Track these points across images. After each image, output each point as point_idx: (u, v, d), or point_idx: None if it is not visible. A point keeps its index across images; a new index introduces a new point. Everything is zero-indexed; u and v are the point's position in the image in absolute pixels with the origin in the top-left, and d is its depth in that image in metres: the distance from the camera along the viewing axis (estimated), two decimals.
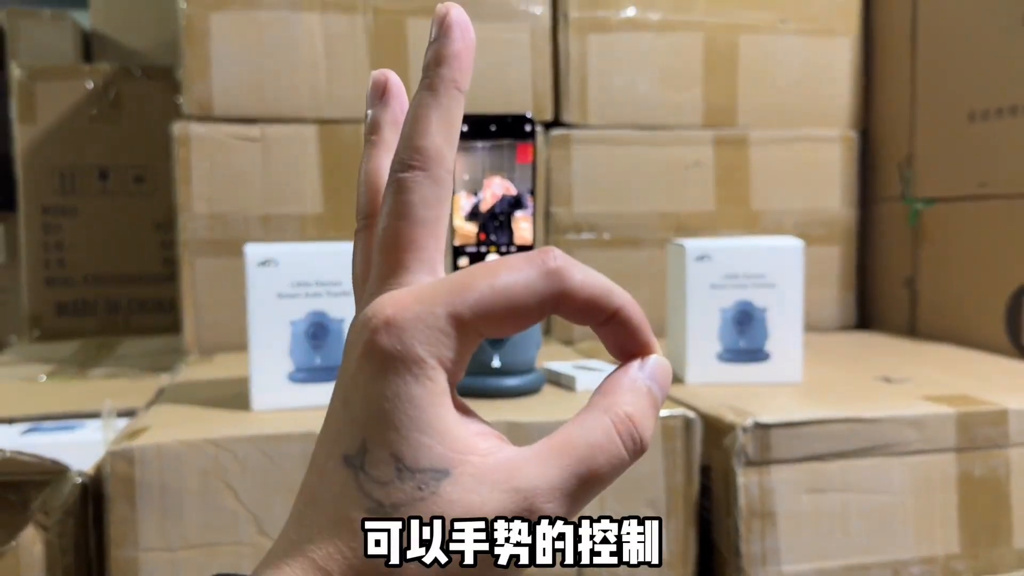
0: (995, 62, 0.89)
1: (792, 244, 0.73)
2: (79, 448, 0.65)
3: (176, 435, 0.55)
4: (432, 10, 0.29)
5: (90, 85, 1.26)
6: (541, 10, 0.99)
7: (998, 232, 0.90)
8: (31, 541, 0.56)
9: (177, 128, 0.91)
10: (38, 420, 0.76)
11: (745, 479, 0.60)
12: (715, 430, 0.63)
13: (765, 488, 0.61)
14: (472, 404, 0.59)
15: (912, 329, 1.04)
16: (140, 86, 1.27)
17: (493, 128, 0.68)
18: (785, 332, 0.73)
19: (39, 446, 0.63)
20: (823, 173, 1.08)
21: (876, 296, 1.11)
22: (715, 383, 0.73)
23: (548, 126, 1.00)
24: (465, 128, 0.68)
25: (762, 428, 0.60)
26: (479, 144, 0.68)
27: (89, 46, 1.45)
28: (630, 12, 1.01)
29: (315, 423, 0.55)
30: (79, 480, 0.56)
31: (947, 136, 0.97)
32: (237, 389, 0.71)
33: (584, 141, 1.01)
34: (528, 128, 0.68)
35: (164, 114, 1.27)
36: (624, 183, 1.03)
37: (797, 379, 0.73)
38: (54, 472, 0.55)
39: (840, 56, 1.08)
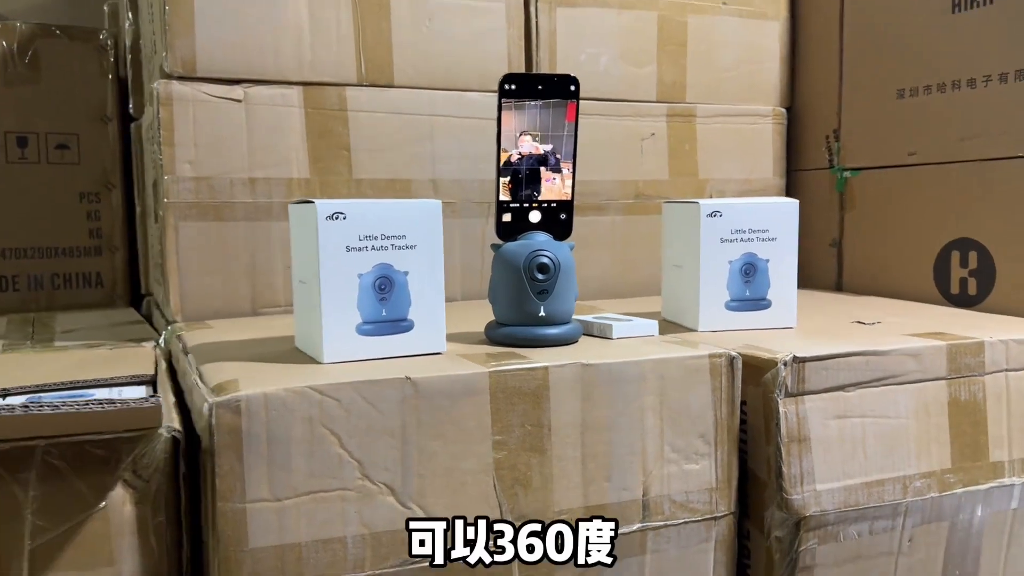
0: (925, 44, 1.01)
1: (790, 202, 0.80)
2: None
3: (274, 385, 0.55)
4: None
5: (2, 44, 1.17)
6: None
7: (927, 196, 1.02)
8: (121, 501, 0.54)
9: (160, 87, 0.87)
10: (38, 391, 0.72)
11: (784, 408, 0.67)
12: (751, 368, 0.69)
13: (800, 416, 0.67)
14: (512, 351, 0.62)
15: (838, 286, 1.16)
16: (60, 46, 1.19)
17: (540, 87, 0.71)
18: (783, 282, 0.80)
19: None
20: (757, 146, 1.18)
21: (802, 257, 1.21)
22: (724, 329, 0.79)
23: None
24: (514, 86, 0.71)
25: (799, 362, 0.67)
26: (526, 103, 0.71)
27: None
28: None
29: (397, 371, 0.57)
30: (170, 435, 0.55)
31: (876, 111, 1.08)
32: (282, 347, 0.70)
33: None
34: (573, 88, 0.71)
35: (87, 77, 1.21)
36: (588, 153, 1.07)
37: (793, 324, 0.81)
38: (147, 427, 0.53)
39: (771, 38, 1.18)
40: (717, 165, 1.15)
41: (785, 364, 0.67)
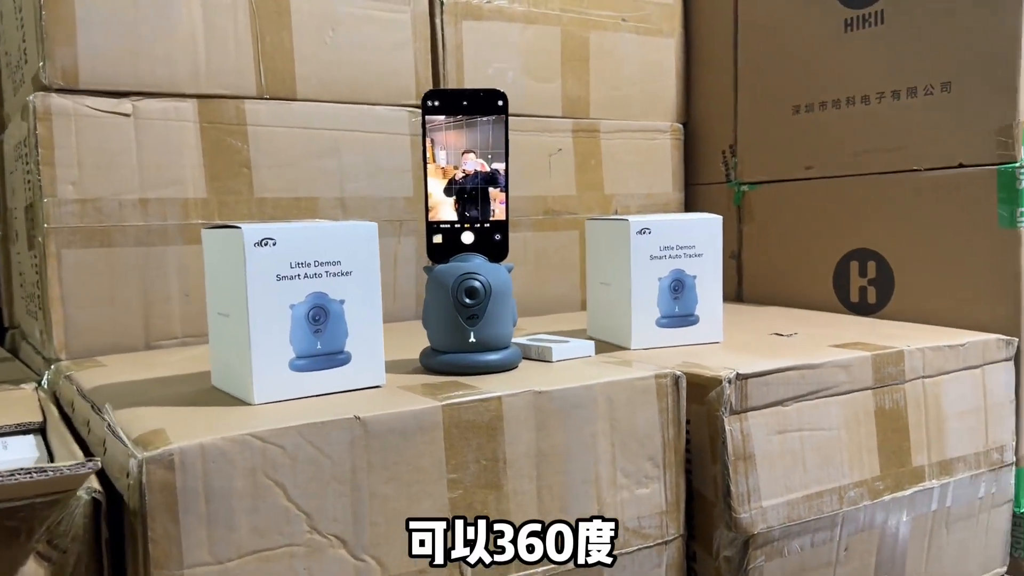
0: (819, 62, 1.05)
1: (714, 218, 0.80)
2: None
3: (208, 434, 0.49)
4: None
5: None
6: None
7: (825, 208, 1.05)
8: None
9: (36, 100, 0.78)
10: None
11: (730, 426, 0.67)
12: (694, 386, 0.68)
13: (745, 433, 0.67)
14: (454, 380, 0.59)
15: (739, 297, 1.19)
16: None
17: (465, 103, 0.68)
18: (710, 297, 0.80)
19: None
20: (657, 161, 1.19)
21: None
22: (655, 346, 0.79)
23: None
24: (438, 103, 0.68)
25: (742, 379, 0.67)
26: (453, 119, 0.68)
27: None
28: (498, 1, 1.04)
29: (341, 410, 0.52)
30: (90, 496, 0.48)
31: (772, 127, 1.11)
32: (196, 386, 0.64)
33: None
34: (500, 103, 0.69)
35: None
36: None
37: (720, 338, 0.81)
38: (62, 490, 0.47)
39: (667, 55, 1.20)
40: (621, 180, 1.15)
41: (729, 382, 0.66)
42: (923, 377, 0.78)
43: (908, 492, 0.77)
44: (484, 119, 0.68)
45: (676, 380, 0.67)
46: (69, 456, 0.53)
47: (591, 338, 0.84)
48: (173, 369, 0.72)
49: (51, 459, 0.62)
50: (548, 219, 1.08)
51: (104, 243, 0.81)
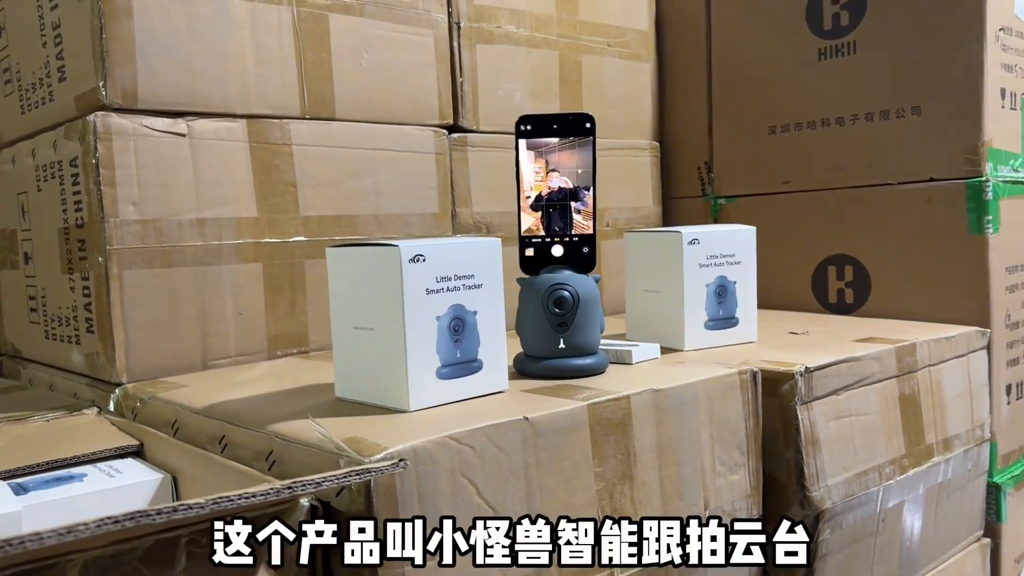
0: (794, 88, 1.16)
1: (748, 228, 0.88)
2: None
3: (416, 438, 0.52)
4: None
5: None
6: (440, 16, 1.02)
7: (802, 219, 1.16)
8: None
9: (98, 120, 0.77)
10: (24, 473, 0.62)
11: (801, 415, 0.74)
12: (765, 380, 0.76)
13: (812, 421, 0.75)
14: (561, 384, 0.64)
15: None
16: None
17: (555, 127, 0.73)
18: (747, 301, 0.88)
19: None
20: (639, 176, 1.27)
21: None
22: (704, 347, 0.86)
23: (450, 130, 1.04)
24: (530, 127, 0.72)
25: (809, 372, 0.75)
26: (544, 141, 0.72)
27: None
28: (506, 26, 1.09)
29: (511, 412, 0.57)
30: (308, 504, 0.50)
31: (749, 145, 1.21)
32: (328, 397, 0.66)
33: (477, 145, 1.06)
34: (588, 125, 0.74)
35: None
36: (509, 185, 1.10)
37: (755, 339, 0.89)
38: (288, 500, 0.48)
39: (645, 78, 1.28)
40: (611, 195, 1.22)
41: (800, 375, 0.74)
42: (929, 366, 0.89)
43: (924, 467, 0.87)
44: (569, 140, 0.73)
45: (754, 375, 0.74)
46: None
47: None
48: (264, 386, 0.73)
49: (174, 480, 0.62)
50: None
51: (165, 264, 0.81)
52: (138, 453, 0.69)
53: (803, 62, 1.14)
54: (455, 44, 1.04)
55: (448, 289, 0.62)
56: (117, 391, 0.78)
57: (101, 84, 0.77)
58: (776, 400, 0.75)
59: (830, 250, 1.14)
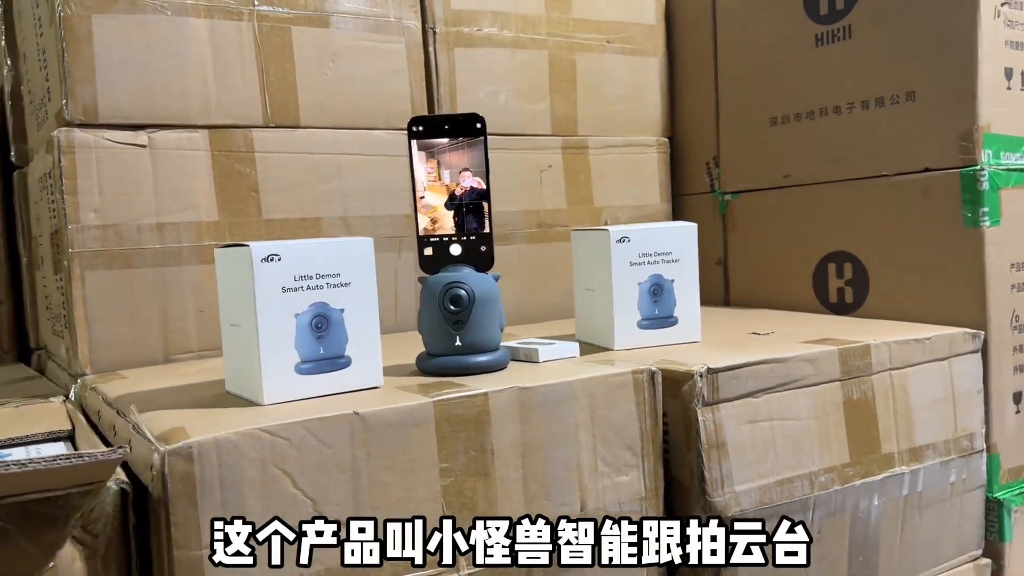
0: (793, 77, 1.10)
1: (689, 225, 0.86)
2: None
3: (224, 429, 0.55)
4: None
5: None
6: (414, 23, 1.05)
7: (803, 214, 1.11)
8: (70, 559, 0.53)
9: (60, 136, 0.85)
10: None
11: (703, 417, 0.72)
12: (669, 381, 0.74)
13: (717, 423, 0.73)
14: (448, 380, 0.65)
15: (726, 301, 1.24)
16: None
17: (447, 127, 0.74)
18: (688, 300, 0.86)
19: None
20: (644, 174, 1.25)
21: None
22: (637, 347, 0.84)
23: None
24: (422, 128, 0.74)
25: (712, 373, 0.72)
26: (439, 142, 0.74)
27: None
28: (488, 29, 1.10)
29: (342, 406, 0.58)
30: (119, 487, 0.54)
31: (751, 138, 1.17)
32: (212, 391, 0.70)
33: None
34: (479, 125, 0.75)
35: None
36: (495, 186, 1.11)
37: (698, 338, 0.86)
38: (95, 481, 0.53)
39: (652, 74, 1.26)
40: (611, 193, 1.21)
41: (701, 375, 0.72)
42: (890, 369, 0.83)
43: (879, 477, 0.82)
44: (472, 140, 0.74)
45: (652, 375, 0.72)
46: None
47: (579, 341, 0.90)
48: (190, 379, 0.79)
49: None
50: (541, 232, 1.14)
51: (124, 265, 0.88)
52: (71, 438, 0.76)
53: (801, 49, 1.09)
54: (430, 49, 1.06)
55: (309, 287, 0.65)
56: (78, 381, 0.86)
57: (64, 102, 0.85)
58: (679, 401, 0.73)
59: (830, 247, 1.08)
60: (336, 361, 0.66)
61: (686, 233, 0.86)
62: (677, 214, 1.29)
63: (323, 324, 0.66)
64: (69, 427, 0.75)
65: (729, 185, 1.22)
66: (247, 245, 0.63)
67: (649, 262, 0.84)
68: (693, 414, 0.72)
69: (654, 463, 0.72)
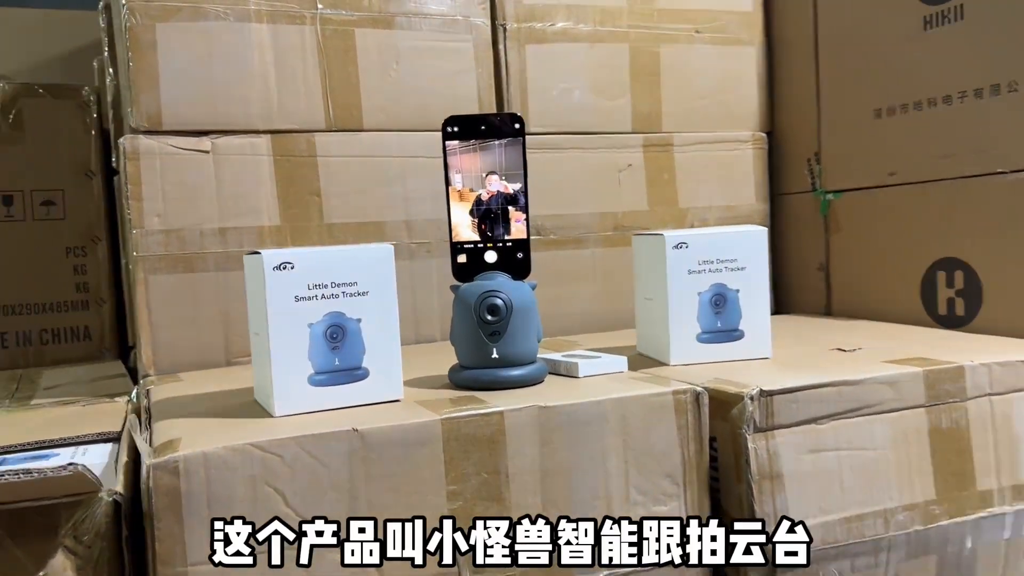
0: (898, 64, 1.00)
1: (757, 230, 0.79)
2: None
3: (216, 443, 0.54)
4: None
5: None
6: (482, 21, 1.02)
7: (910, 215, 1.00)
8: (61, 568, 0.53)
9: (126, 143, 0.87)
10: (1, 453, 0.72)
11: (754, 444, 0.65)
12: (718, 402, 0.67)
13: (771, 452, 0.65)
14: (472, 395, 0.61)
15: (828, 311, 1.14)
16: (43, 105, 1.21)
17: (483, 128, 0.70)
18: (755, 311, 0.78)
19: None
20: (738, 171, 1.17)
21: (790, 282, 1.20)
22: (696, 362, 0.78)
23: None
24: (456, 128, 0.70)
25: (766, 396, 0.65)
26: (473, 143, 0.70)
27: None
28: (562, 24, 1.06)
29: (349, 422, 0.56)
30: (111, 499, 0.54)
31: (854, 132, 1.07)
32: (241, 399, 0.70)
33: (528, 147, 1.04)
34: (518, 126, 0.70)
35: (71, 134, 1.22)
36: (565, 186, 1.07)
37: (768, 354, 0.79)
38: (86, 492, 0.53)
39: (748, 64, 1.17)
40: (697, 193, 1.14)
41: (751, 398, 0.65)
42: (990, 395, 0.73)
43: (972, 517, 0.72)
44: (502, 142, 0.70)
45: (697, 396, 0.66)
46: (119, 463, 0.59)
47: (641, 354, 0.84)
48: (235, 384, 0.78)
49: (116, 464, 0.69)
50: (618, 235, 1.09)
51: (187, 269, 0.89)
52: (118, 440, 0.77)
53: (908, 33, 0.98)
54: (500, 47, 1.03)
55: (323, 296, 0.63)
56: (140, 382, 0.88)
57: (129, 110, 0.88)
58: (728, 425, 0.66)
59: (939, 252, 0.97)
60: (353, 373, 0.64)
61: (754, 238, 0.78)
62: (776, 215, 1.19)
63: (338, 334, 0.63)
64: (119, 429, 0.77)
65: (831, 183, 1.12)
66: (259, 252, 0.61)
67: (711, 270, 0.77)
68: (743, 440, 0.65)
69: (698, 492, 0.66)
